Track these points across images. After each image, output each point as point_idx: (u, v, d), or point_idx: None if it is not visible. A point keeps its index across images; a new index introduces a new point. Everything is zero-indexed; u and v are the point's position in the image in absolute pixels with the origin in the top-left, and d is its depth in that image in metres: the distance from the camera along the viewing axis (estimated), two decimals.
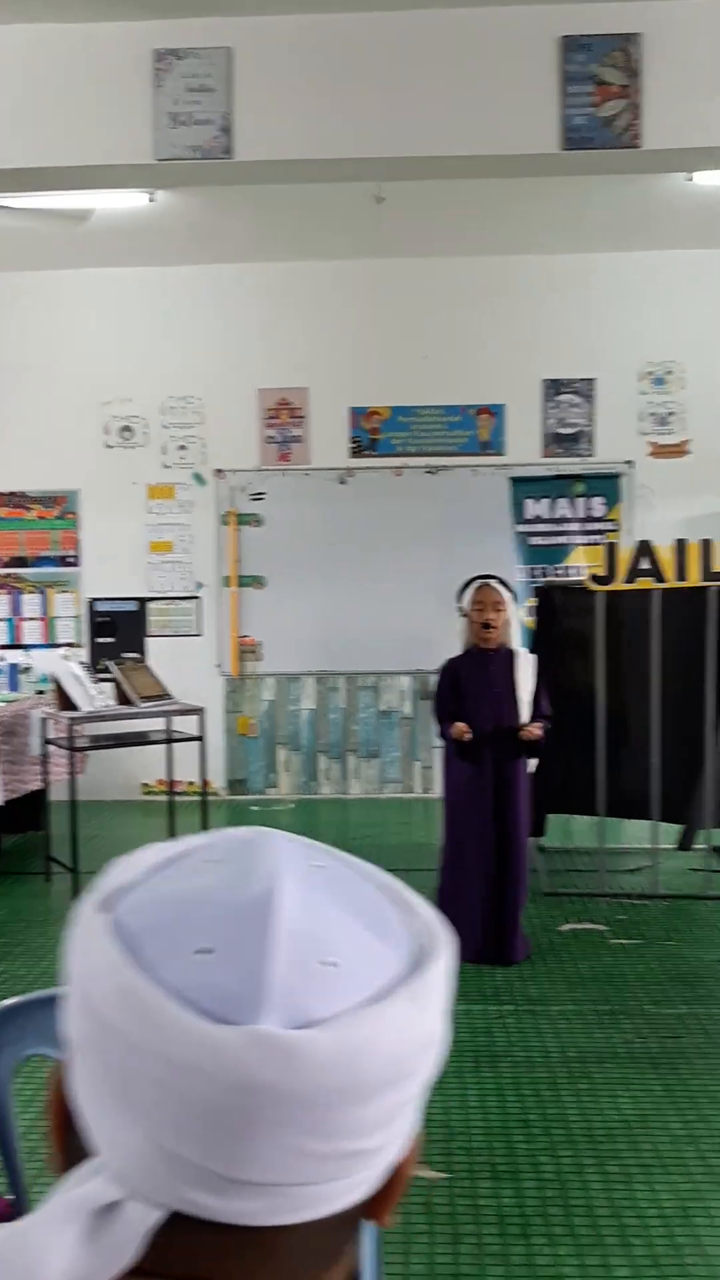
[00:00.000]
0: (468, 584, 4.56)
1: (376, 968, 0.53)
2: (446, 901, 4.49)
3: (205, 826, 5.84)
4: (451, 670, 4.56)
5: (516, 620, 4.60)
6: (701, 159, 4.80)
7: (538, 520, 7.47)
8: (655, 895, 5.33)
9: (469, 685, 4.47)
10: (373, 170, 4.74)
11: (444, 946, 0.57)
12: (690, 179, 5.92)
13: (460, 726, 4.36)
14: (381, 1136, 0.52)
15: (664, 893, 5.36)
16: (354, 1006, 0.51)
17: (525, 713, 4.45)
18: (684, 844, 5.81)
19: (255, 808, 7.55)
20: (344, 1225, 0.54)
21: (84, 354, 7.68)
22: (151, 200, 6.26)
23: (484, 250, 7.33)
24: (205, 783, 5.94)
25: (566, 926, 4.92)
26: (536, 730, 4.41)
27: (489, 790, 4.44)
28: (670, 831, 6.22)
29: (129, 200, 6.30)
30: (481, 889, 4.42)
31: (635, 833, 6.02)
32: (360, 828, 6.91)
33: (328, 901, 0.55)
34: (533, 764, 4.64)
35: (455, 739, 4.38)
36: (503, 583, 4.54)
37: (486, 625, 4.44)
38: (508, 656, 4.51)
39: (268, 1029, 0.48)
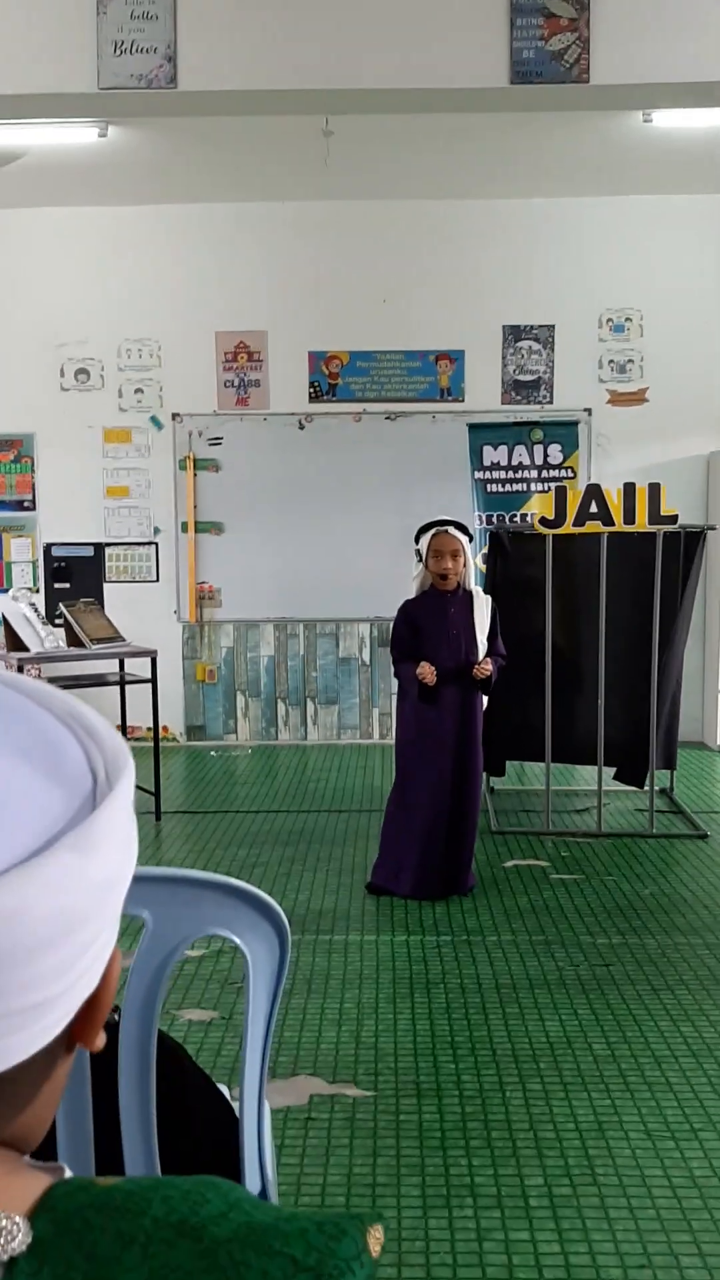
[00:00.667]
0: (424, 529, 4.55)
1: (36, 814, 0.51)
2: (392, 838, 4.56)
3: (158, 771, 5.87)
4: (408, 612, 4.56)
5: (473, 563, 4.61)
6: (653, 96, 4.77)
7: (496, 467, 7.47)
8: (599, 834, 5.41)
9: (427, 627, 4.48)
10: (319, 103, 4.69)
11: (124, 776, 0.55)
12: (649, 120, 5.88)
13: (427, 668, 4.37)
14: (61, 984, 0.52)
15: (607, 831, 5.44)
16: (6, 866, 0.49)
17: (483, 652, 4.49)
18: (634, 781, 5.86)
19: (214, 753, 7.58)
20: (35, 1070, 0.55)
21: (39, 295, 7.58)
22: (102, 135, 6.16)
23: (444, 194, 7.27)
24: (157, 729, 5.95)
25: (511, 863, 5.00)
26: (488, 667, 4.45)
27: (450, 729, 4.47)
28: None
29: (80, 135, 6.20)
30: (433, 826, 4.45)
31: (588, 776, 6.10)
32: (318, 772, 6.96)
33: None
34: (485, 702, 4.67)
35: (420, 680, 4.38)
36: (460, 527, 4.53)
37: (444, 575, 4.45)
38: (466, 598, 4.53)
39: None
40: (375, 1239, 0.59)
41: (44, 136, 6.22)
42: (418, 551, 4.57)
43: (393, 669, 4.70)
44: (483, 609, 4.56)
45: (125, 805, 0.55)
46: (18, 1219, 0.52)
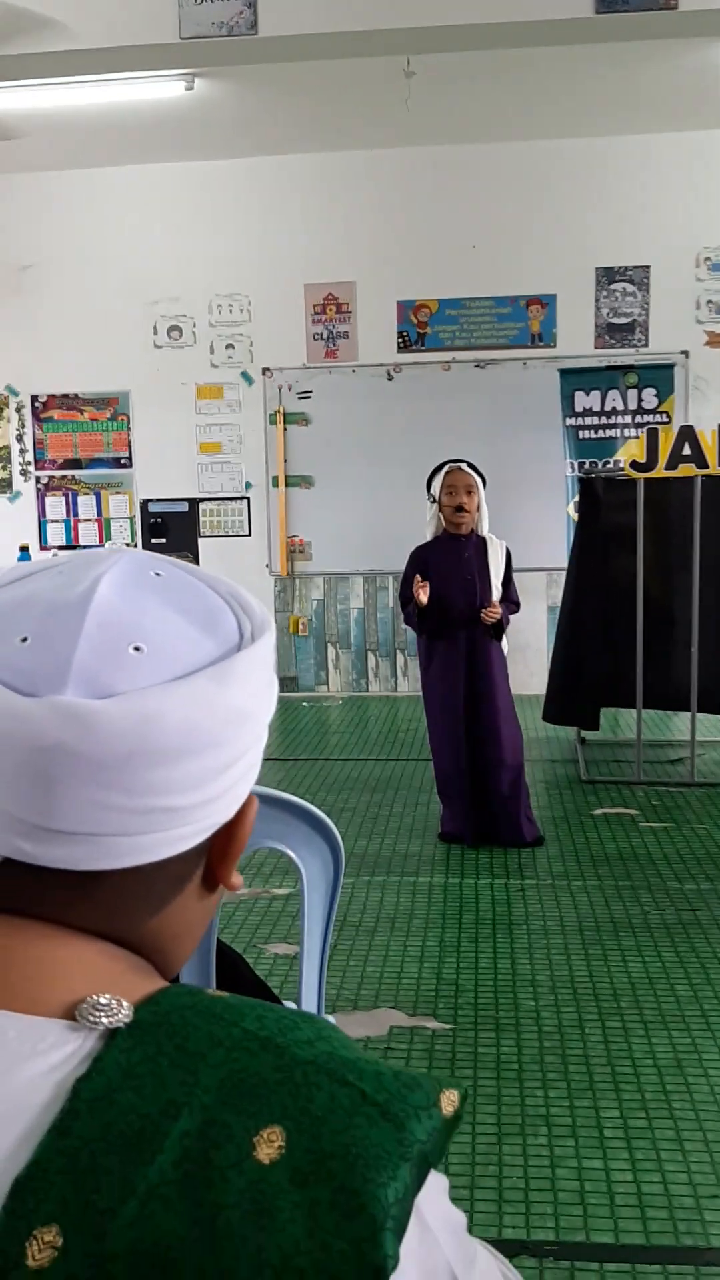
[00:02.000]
0: (437, 470, 4.48)
1: (188, 654, 0.60)
2: (442, 787, 4.56)
3: None
4: (419, 557, 4.49)
5: (485, 506, 4.48)
6: None
7: (588, 413, 7.34)
8: (692, 784, 5.34)
9: (439, 570, 4.39)
10: (400, 43, 4.62)
11: (262, 636, 0.63)
12: None
13: (419, 582, 4.29)
14: (192, 796, 0.59)
15: (700, 780, 5.36)
16: (153, 684, 0.57)
17: (496, 597, 4.39)
18: None
19: (305, 704, 7.68)
20: (170, 879, 0.63)
21: (131, 253, 7.67)
22: (189, 89, 6.18)
23: (531, 134, 7.11)
24: None
25: (599, 811, 4.97)
26: (496, 611, 4.35)
27: (463, 677, 4.40)
28: (716, 722, 6.21)
29: (166, 90, 6.23)
30: (466, 773, 4.42)
31: (685, 726, 6.01)
32: (407, 722, 6.99)
33: (153, 598, 0.61)
34: (505, 648, 4.59)
35: (415, 601, 4.33)
36: (473, 467, 4.45)
37: (459, 509, 4.36)
38: (480, 543, 4.45)
39: (65, 699, 0.56)
40: (449, 1100, 0.61)
41: (132, 92, 6.27)
42: (430, 495, 4.49)
43: (402, 617, 4.62)
44: (497, 553, 4.46)
45: (265, 656, 0.63)
46: (124, 1001, 0.59)
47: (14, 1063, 0.57)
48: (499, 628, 4.44)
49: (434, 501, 4.47)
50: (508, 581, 4.48)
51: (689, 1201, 2.28)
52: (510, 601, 4.49)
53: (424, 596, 4.32)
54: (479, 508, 4.44)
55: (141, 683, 0.58)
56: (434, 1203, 0.60)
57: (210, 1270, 0.52)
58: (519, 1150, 2.46)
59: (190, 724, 0.58)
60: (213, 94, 6.24)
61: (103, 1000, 0.59)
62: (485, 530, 4.50)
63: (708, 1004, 3.12)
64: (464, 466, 4.42)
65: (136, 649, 0.58)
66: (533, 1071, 2.79)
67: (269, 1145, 0.55)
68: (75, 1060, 0.57)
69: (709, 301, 7.41)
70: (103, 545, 7.76)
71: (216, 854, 0.65)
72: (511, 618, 4.55)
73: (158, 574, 0.64)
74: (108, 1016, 0.58)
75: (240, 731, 0.61)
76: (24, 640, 0.59)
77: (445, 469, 4.44)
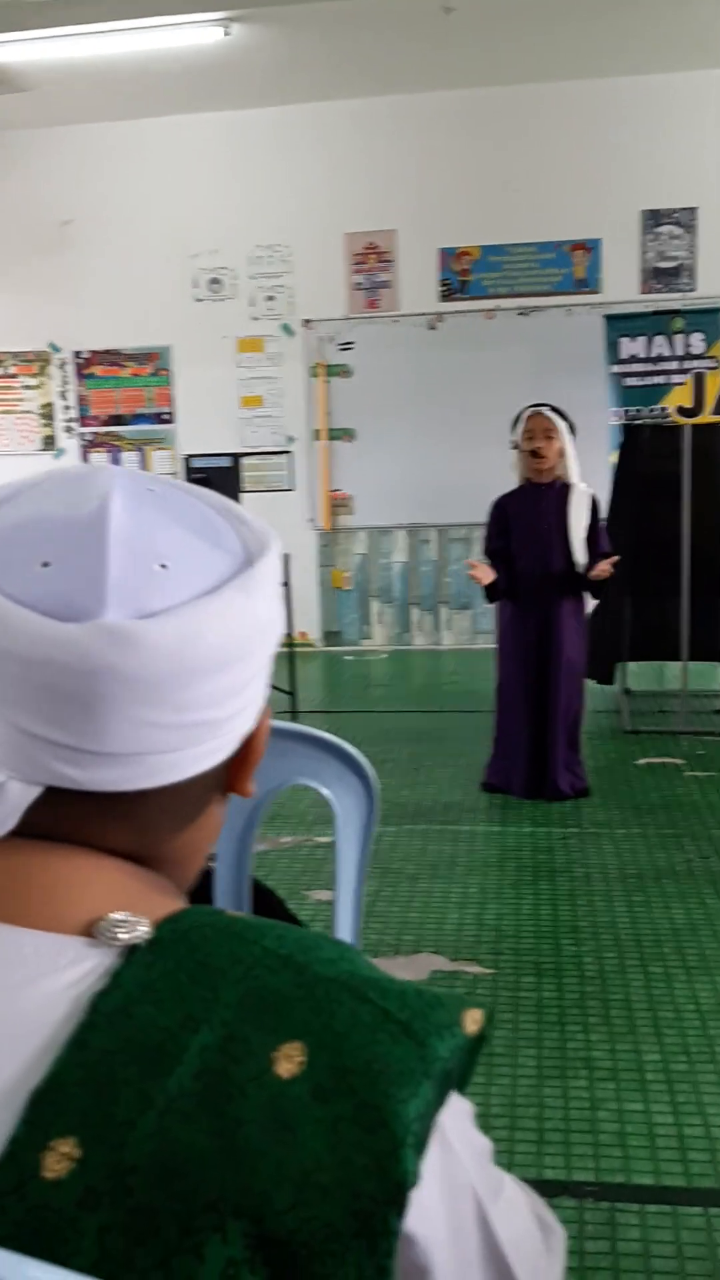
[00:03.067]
0: (520, 415, 4.38)
1: (207, 568, 0.61)
2: (500, 739, 4.53)
3: (293, 671, 5.98)
4: (500, 507, 4.43)
5: (574, 452, 4.36)
6: None
7: (634, 360, 7.20)
8: None
9: (518, 521, 4.33)
10: None
11: (272, 546, 0.64)
12: None
13: (479, 569, 4.28)
14: (227, 708, 0.61)
15: None
16: (188, 599, 0.58)
17: (579, 550, 4.28)
18: None
19: (349, 657, 7.68)
20: (200, 793, 0.64)
21: (170, 206, 7.61)
22: (227, 34, 6.10)
23: (571, 74, 6.93)
24: (291, 631, 6.05)
25: (643, 761, 4.94)
26: (607, 567, 4.25)
27: (533, 631, 4.34)
28: None
29: (205, 35, 6.15)
30: (529, 728, 4.38)
31: None
32: (451, 676, 6.98)
33: (159, 516, 0.61)
34: (591, 604, 4.52)
35: (480, 582, 4.30)
36: (557, 411, 4.32)
37: (536, 453, 4.27)
38: (562, 491, 4.33)
39: (110, 620, 0.56)
40: (474, 1019, 0.61)
41: (169, 39, 6.19)
42: (512, 440, 4.40)
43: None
44: (580, 504, 4.31)
45: (275, 564, 0.64)
46: (142, 918, 0.59)
47: (32, 978, 0.57)
48: (598, 585, 4.34)
49: (515, 447, 4.38)
50: (594, 534, 4.33)
51: None
52: (603, 555, 4.32)
53: (484, 577, 4.29)
54: (562, 454, 4.31)
55: (175, 599, 0.58)
56: (459, 1126, 0.60)
57: (230, 1184, 0.52)
58: (560, 1093, 2.47)
59: (227, 636, 0.59)
60: (251, 39, 6.14)
61: (122, 917, 0.59)
62: (574, 478, 4.37)
63: None
64: (545, 410, 4.30)
65: (163, 566, 0.59)
66: (574, 1015, 2.79)
67: (289, 1060, 0.56)
68: (94, 976, 0.57)
69: None
70: None
71: (237, 763, 0.65)
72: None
73: (152, 490, 0.63)
74: (126, 933, 0.59)
75: (265, 640, 0.62)
76: (45, 565, 0.58)
77: (528, 412, 4.33)
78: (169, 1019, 0.56)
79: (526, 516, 4.34)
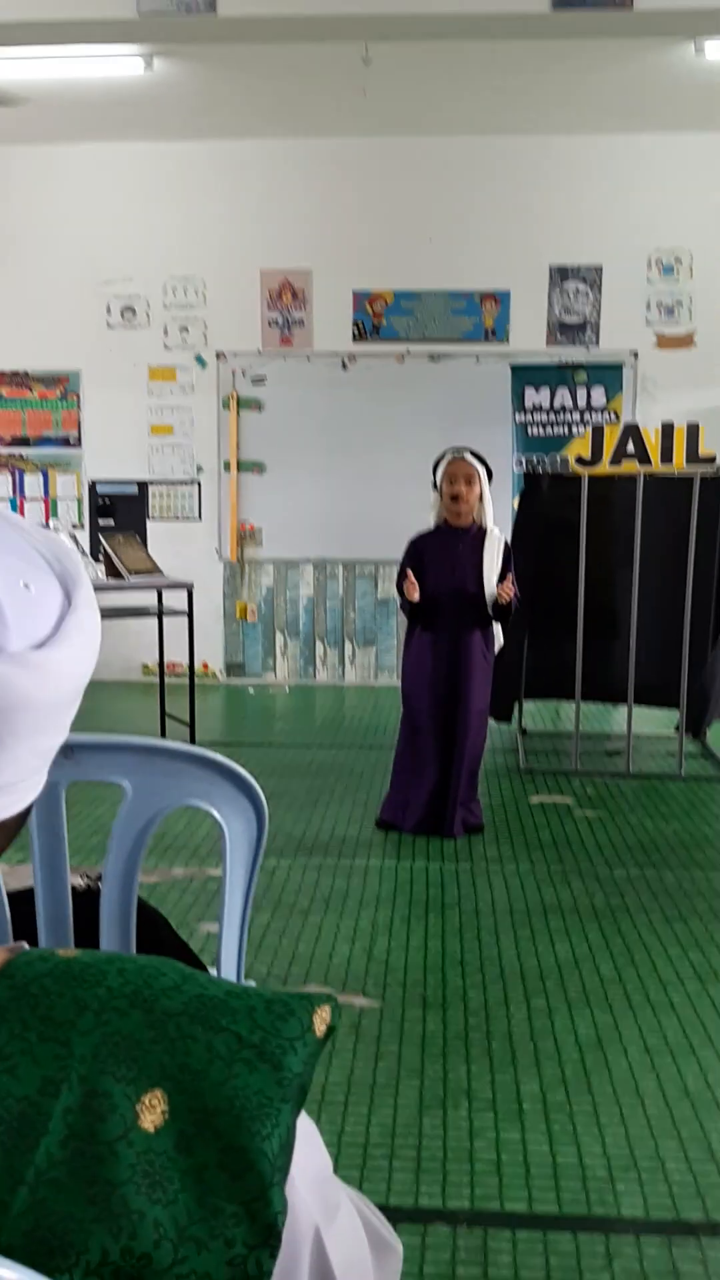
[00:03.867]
0: (441, 457, 4.48)
1: (48, 588, 0.60)
2: (398, 775, 4.55)
3: (193, 702, 5.96)
4: (416, 546, 4.48)
5: (490, 498, 4.47)
6: (700, 23, 4.66)
7: (537, 409, 7.41)
8: (627, 774, 5.42)
9: (433, 560, 4.39)
10: (357, 29, 4.64)
11: (83, 568, 0.64)
12: (700, 51, 5.74)
13: (411, 582, 4.29)
14: (63, 737, 0.62)
15: (636, 772, 5.45)
16: (57, 622, 0.59)
17: (489, 593, 4.36)
18: (694, 730, 5.87)
19: (252, 691, 7.68)
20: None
21: (85, 232, 7.61)
22: (148, 68, 6.15)
23: (488, 129, 7.16)
24: (192, 661, 6.03)
25: (536, 799, 5.04)
26: (510, 589, 4.31)
27: (444, 671, 4.39)
28: (655, 717, 6.31)
29: (125, 68, 6.19)
30: (433, 766, 4.42)
31: (623, 718, 6.10)
32: (354, 711, 7.03)
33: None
34: (500, 640, 4.61)
35: (405, 596, 4.33)
36: (477, 457, 4.42)
37: (455, 498, 4.36)
38: (478, 535, 4.42)
39: (20, 650, 0.56)
40: (321, 1019, 0.62)
41: (90, 69, 6.22)
42: (433, 482, 4.48)
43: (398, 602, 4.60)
44: (494, 548, 4.41)
45: (90, 588, 0.64)
46: None
47: None
48: (507, 611, 4.38)
49: (436, 489, 4.43)
50: (503, 578, 4.39)
51: (602, 1173, 2.33)
52: (510, 597, 4.39)
53: (415, 594, 4.31)
54: (480, 499, 4.38)
55: (50, 623, 0.58)
56: (300, 1151, 0.60)
57: (111, 1249, 0.52)
58: (439, 1122, 2.50)
59: (92, 655, 0.61)
60: (172, 74, 6.21)
61: None
62: (489, 522, 4.44)
63: (630, 985, 3.18)
64: (467, 456, 4.37)
65: (26, 586, 0.58)
66: (457, 1047, 2.84)
67: (152, 1111, 0.55)
68: None
69: (659, 303, 7.52)
70: (48, 525, 7.70)
71: None
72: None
73: None
74: None
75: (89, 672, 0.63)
76: None
77: (448, 457, 4.40)
78: (26, 1087, 0.55)
79: (444, 557, 4.40)
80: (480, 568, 4.38)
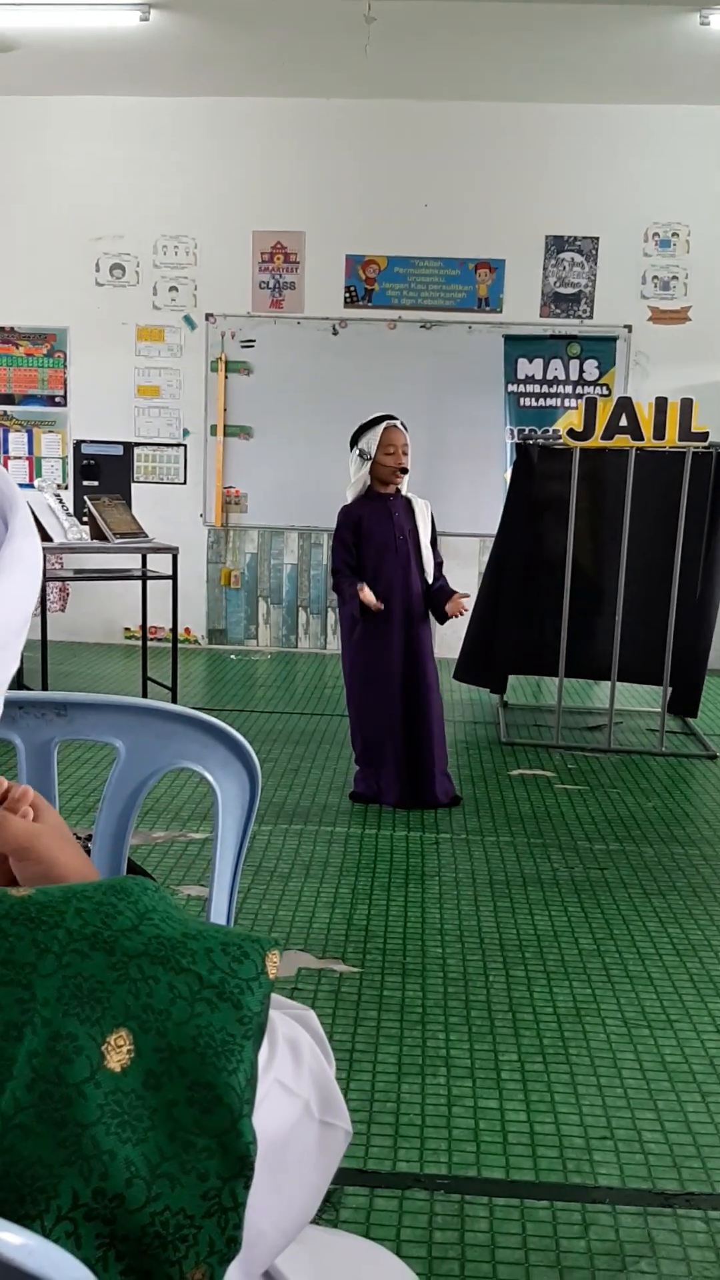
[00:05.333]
0: (366, 425, 4.34)
1: None
2: (366, 751, 4.49)
3: (175, 666, 5.94)
4: (353, 517, 4.36)
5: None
6: None
7: (530, 380, 7.37)
8: (609, 750, 5.44)
9: (372, 532, 4.32)
10: None
11: (20, 499, 0.65)
12: (706, 22, 5.68)
13: (370, 597, 4.21)
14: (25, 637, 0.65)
15: (618, 748, 5.47)
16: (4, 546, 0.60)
17: (429, 561, 4.35)
18: (684, 710, 5.86)
19: (234, 657, 7.65)
20: None
21: (77, 187, 7.48)
22: (144, 19, 6.03)
23: (489, 95, 7.07)
24: (176, 625, 5.99)
25: (517, 772, 5.04)
26: (461, 605, 4.30)
27: (398, 644, 4.34)
28: (637, 694, 6.33)
29: (122, 19, 6.07)
30: (401, 739, 4.38)
31: (606, 694, 6.10)
32: (335, 679, 7.01)
33: None
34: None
35: (364, 604, 4.23)
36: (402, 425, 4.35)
37: (404, 469, 4.28)
38: (406, 504, 4.37)
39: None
40: (273, 963, 0.64)
41: (86, 18, 6.10)
42: (360, 451, 4.34)
43: (331, 581, 4.46)
44: (424, 514, 4.39)
45: (28, 511, 0.64)
46: None
47: None
48: (443, 614, 4.36)
49: (366, 458, 4.34)
50: (434, 540, 4.45)
51: (579, 1142, 2.34)
52: (437, 564, 4.44)
53: (379, 606, 4.22)
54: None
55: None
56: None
57: (83, 1191, 0.52)
58: (418, 1089, 2.51)
59: (35, 583, 0.63)
60: (169, 27, 6.09)
61: None
62: (405, 488, 4.42)
63: (609, 957, 3.20)
64: (399, 424, 4.32)
65: None
66: (435, 1015, 2.84)
67: (118, 1050, 0.56)
68: None
69: (654, 277, 7.47)
70: (32, 484, 7.62)
71: None
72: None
73: None
74: None
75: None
76: None
77: (383, 425, 4.31)
78: None
79: (381, 528, 4.34)
80: (417, 534, 4.36)
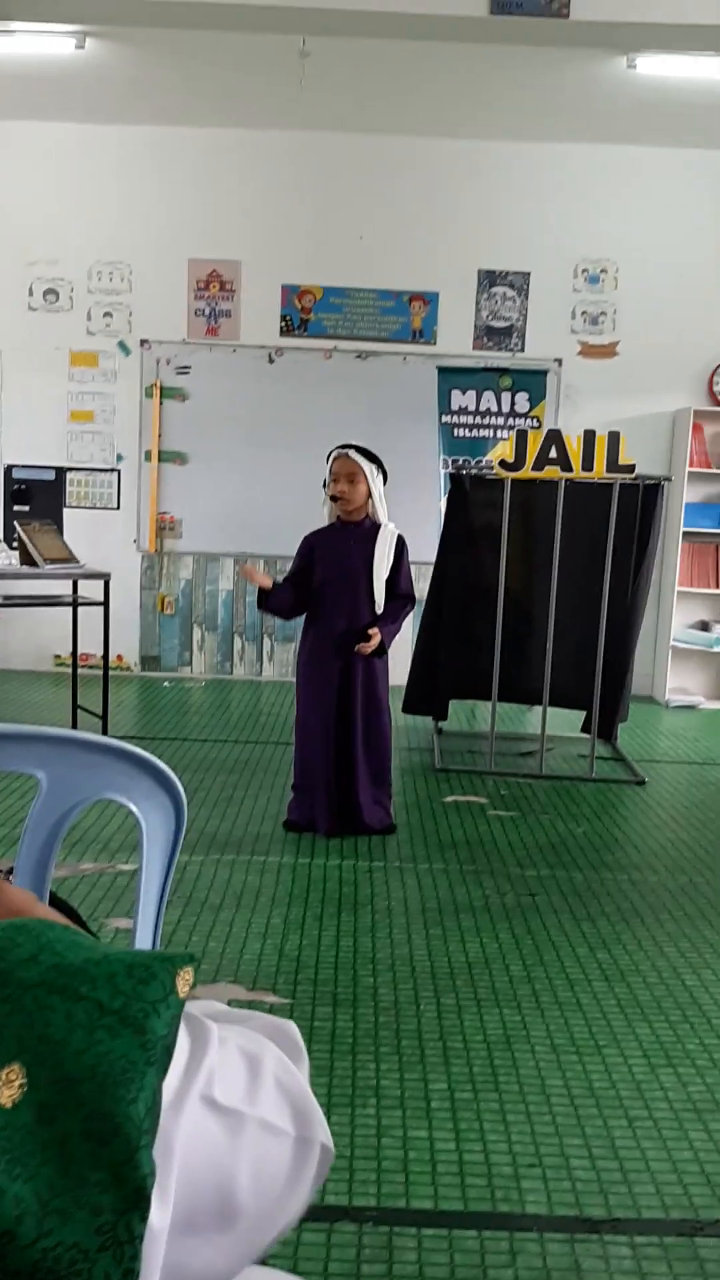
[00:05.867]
0: (330, 454, 4.39)
1: None
2: (300, 777, 4.50)
3: (106, 693, 5.88)
4: (308, 543, 4.45)
5: (380, 492, 4.39)
6: (634, 37, 4.73)
7: (463, 412, 7.46)
8: (540, 776, 5.49)
9: (324, 556, 4.37)
10: (295, 21, 4.61)
11: None
12: (633, 66, 5.83)
13: (251, 572, 4.34)
14: None
15: (549, 774, 5.52)
16: None
17: (379, 590, 4.34)
18: (604, 734, 5.93)
19: (167, 684, 7.60)
20: None
21: (10, 211, 7.44)
22: (79, 47, 6.05)
23: (424, 131, 7.18)
24: (107, 652, 5.94)
25: (450, 798, 5.07)
26: (374, 641, 4.30)
27: (335, 669, 4.35)
28: (569, 719, 6.40)
29: (56, 46, 6.08)
30: (331, 766, 4.37)
31: (538, 720, 6.16)
32: (270, 707, 6.99)
33: None
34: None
35: (249, 580, 4.34)
36: (364, 453, 4.35)
37: (336, 497, 4.31)
38: (371, 531, 4.38)
39: None
40: (184, 980, 0.62)
41: (20, 45, 6.09)
42: (325, 480, 4.41)
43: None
44: (385, 544, 4.37)
45: None
46: None
47: None
48: (380, 648, 4.36)
49: (325, 486, 4.40)
50: (395, 574, 4.39)
51: (507, 1170, 2.35)
52: (398, 598, 4.40)
53: (261, 581, 4.34)
54: (369, 495, 4.34)
55: None
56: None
57: None
58: (347, 1120, 2.50)
59: None
60: (105, 56, 6.11)
61: None
62: (383, 518, 4.40)
63: (539, 984, 3.22)
64: (351, 453, 4.31)
65: None
66: (366, 1045, 2.84)
67: (9, 1086, 0.54)
68: None
69: (584, 312, 7.62)
70: None
71: None
72: (404, 619, 4.46)
73: None
74: None
75: None
76: None
77: (333, 454, 4.35)
78: None
79: (334, 555, 4.38)
80: (371, 567, 4.35)
